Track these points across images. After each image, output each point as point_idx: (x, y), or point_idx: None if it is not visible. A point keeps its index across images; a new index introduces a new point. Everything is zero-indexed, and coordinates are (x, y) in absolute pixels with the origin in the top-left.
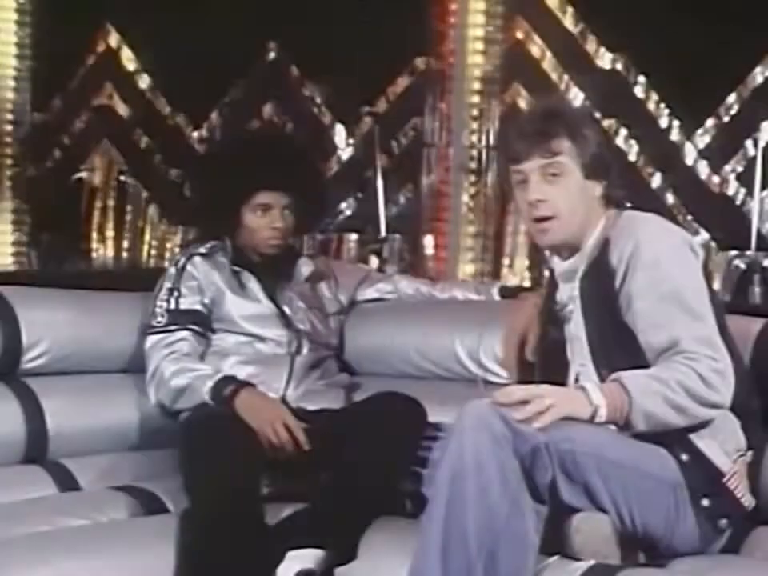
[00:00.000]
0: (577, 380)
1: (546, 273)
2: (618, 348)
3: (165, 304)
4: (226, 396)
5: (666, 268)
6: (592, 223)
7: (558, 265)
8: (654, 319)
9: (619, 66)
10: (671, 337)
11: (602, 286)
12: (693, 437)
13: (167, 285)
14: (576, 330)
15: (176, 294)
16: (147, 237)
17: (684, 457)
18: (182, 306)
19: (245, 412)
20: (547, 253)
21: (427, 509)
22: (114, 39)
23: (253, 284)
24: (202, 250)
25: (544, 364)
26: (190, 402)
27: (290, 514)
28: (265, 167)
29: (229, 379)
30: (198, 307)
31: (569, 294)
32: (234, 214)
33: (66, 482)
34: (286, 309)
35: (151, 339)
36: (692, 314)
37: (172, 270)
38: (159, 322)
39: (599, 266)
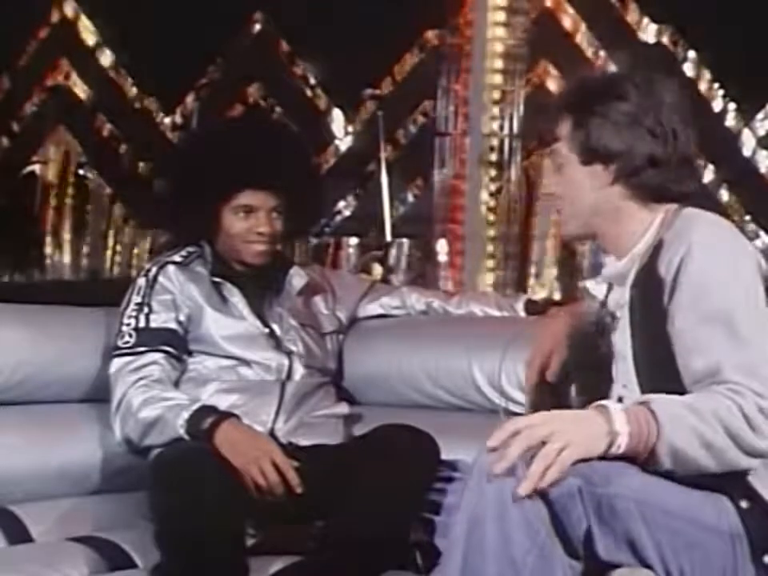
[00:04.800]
0: (620, 402)
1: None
2: (668, 371)
3: (133, 322)
4: (205, 429)
5: (715, 283)
6: (624, 218)
7: (611, 265)
8: (695, 341)
9: (665, 40)
10: (711, 363)
11: (651, 298)
12: (753, 480)
13: (136, 299)
14: (621, 343)
15: (146, 309)
16: (111, 242)
17: (744, 504)
18: (153, 325)
19: (227, 448)
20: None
21: (441, 562)
22: (70, 8)
23: (236, 298)
24: (177, 258)
25: (592, 382)
26: (162, 436)
27: (280, 569)
28: (249, 161)
29: (208, 410)
30: (172, 325)
31: (617, 299)
32: (213, 216)
33: (16, 532)
34: (275, 327)
35: (117, 363)
36: (739, 340)
37: (141, 282)
38: (126, 343)
39: (649, 272)
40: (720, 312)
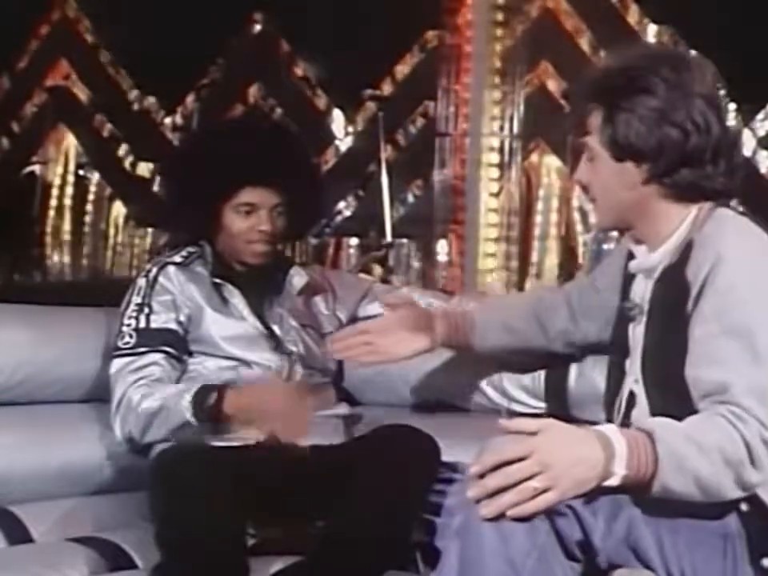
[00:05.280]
0: (632, 397)
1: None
2: (673, 373)
3: (133, 322)
4: (211, 405)
5: (742, 294)
6: (656, 215)
7: (642, 256)
8: (711, 352)
9: (665, 40)
10: (723, 379)
11: (674, 299)
12: None
13: (136, 299)
14: (637, 337)
15: (146, 310)
16: (111, 242)
17: (744, 507)
18: (154, 325)
19: (239, 415)
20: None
21: (439, 563)
22: (70, 8)
23: (236, 299)
24: (177, 258)
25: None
26: (166, 425)
27: (280, 570)
28: (249, 160)
29: (208, 388)
30: (173, 326)
31: (642, 292)
32: (214, 215)
33: (16, 532)
34: (276, 328)
35: (117, 363)
36: (756, 358)
37: (142, 282)
38: (127, 344)
39: (675, 273)
40: (742, 326)
